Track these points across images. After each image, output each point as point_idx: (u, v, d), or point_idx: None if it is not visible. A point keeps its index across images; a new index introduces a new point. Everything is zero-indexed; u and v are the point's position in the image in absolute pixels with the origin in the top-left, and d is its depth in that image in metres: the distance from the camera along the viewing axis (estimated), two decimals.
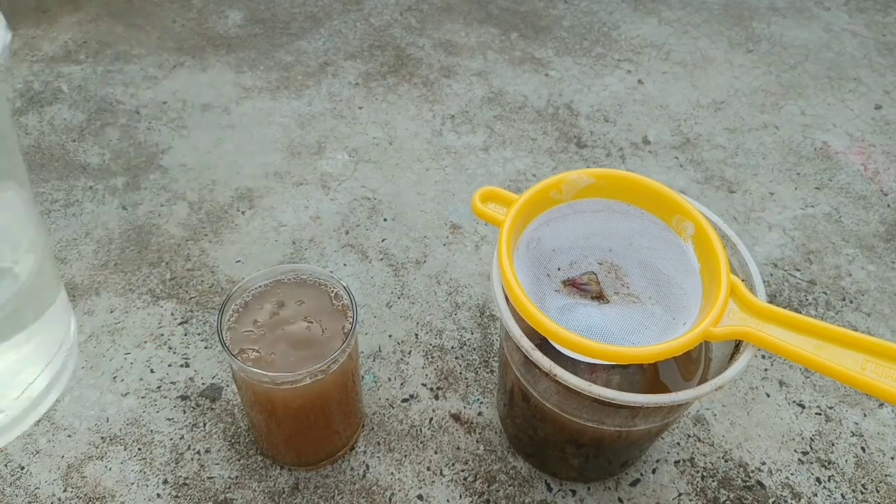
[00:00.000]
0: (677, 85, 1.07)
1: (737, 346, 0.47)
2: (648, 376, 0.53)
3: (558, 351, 0.48)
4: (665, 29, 1.18)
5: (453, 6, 1.20)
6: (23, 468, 0.59)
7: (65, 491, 0.58)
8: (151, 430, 0.63)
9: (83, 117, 0.93)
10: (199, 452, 0.61)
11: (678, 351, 0.43)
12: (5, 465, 0.59)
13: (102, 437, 0.62)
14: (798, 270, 0.80)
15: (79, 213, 0.81)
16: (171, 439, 0.62)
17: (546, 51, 1.11)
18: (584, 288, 0.53)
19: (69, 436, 0.62)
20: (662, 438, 0.63)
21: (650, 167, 0.92)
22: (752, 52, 1.14)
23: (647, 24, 1.19)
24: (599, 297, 0.53)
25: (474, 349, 0.70)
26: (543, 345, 0.46)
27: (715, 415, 0.66)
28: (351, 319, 0.50)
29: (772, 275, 0.79)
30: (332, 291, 0.53)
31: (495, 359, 0.70)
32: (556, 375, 0.43)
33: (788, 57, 1.13)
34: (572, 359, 0.49)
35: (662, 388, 0.54)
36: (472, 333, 0.72)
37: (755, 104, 1.04)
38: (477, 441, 0.63)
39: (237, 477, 0.60)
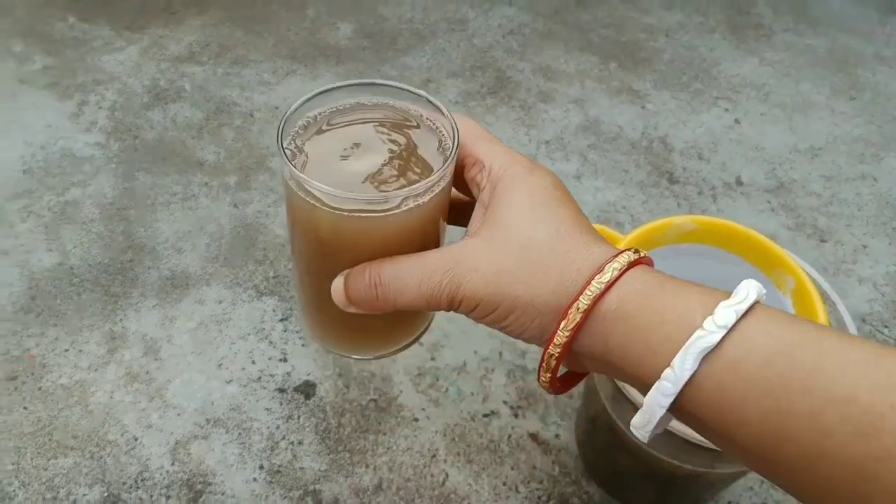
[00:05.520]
0: (775, 127, 1.06)
1: None
2: None
3: None
4: (766, 70, 1.18)
5: (555, 32, 1.23)
6: (136, 439, 0.65)
7: (172, 464, 0.63)
8: (251, 418, 0.67)
9: (202, 116, 0.99)
10: (292, 443, 0.66)
11: None
12: (121, 435, 0.65)
13: (207, 419, 0.67)
14: (886, 327, 0.79)
15: (195, 206, 0.87)
16: (267, 428, 0.67)
17: (644, 83, 1.13)
18: None
19: (178, 414, 0.67)
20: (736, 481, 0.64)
21: (741, 209, 0.92)
22: (855, 100, 1.12)
23: (748, 63, 1.19)
24: None
25: None
26: None
27: None
28: (452, 138, 0.35)
29: (859, 329, 0.78)
30: (421, 115, 0.38)
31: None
32: None
33: (892, 108, 1.11)
34: None
35: None
36: None
37: (854, 153, 1.03)
38: (553, 462, 0.66)
39: (326, 470, 0.64)
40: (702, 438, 0.45)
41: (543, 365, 0.30)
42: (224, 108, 1.01)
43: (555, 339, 0.29)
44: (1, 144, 0.91)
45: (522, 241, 0.30)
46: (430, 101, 0.36)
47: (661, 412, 0.26)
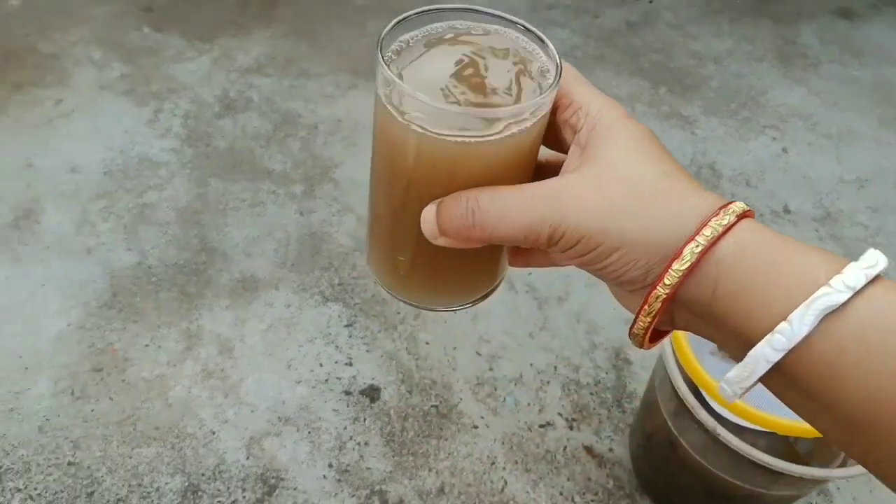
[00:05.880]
0: (822, 157, 1.09)
1: None
2: (785, 445, 0.57)
3: (709, 406, 0.53)
4: (813, 99, 1.20)
5: (606, 56, 1.26)
6: (213, 433, 0.69)
7: (247, 459, 0.67)
8: (319, 418, 0.71)
9: (270, 126, 1.04)
10: (359, 444, 0.69)
11: None
12: (199, 428, 0.69)
13: (279, 417, 0.71)
14: None
15: (263, 213, 0.91)
16: (335, 428, 0.70)
17: (693, 108, 1.16)
18: None
19: (252, 411, 0.71)
20: None
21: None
22: None
23: (796, 92, 1.21)
24: None
25: (608, 388, 0.76)
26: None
27: (838, 488, 0.68)
28: (556, 66, 0.34)
29: None
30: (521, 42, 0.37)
31: (627, 400, 0.75)
32: (719, 435, 0.48)
33: None
34: (719, 415, 0.54)
35: (796, 456, 0.58)
36: (607, 373, 0.77)
37: None
38: (607, 475, 0.69)
39: (391, 472, 0.67)
40: (766, 459, 0.48)
41: (645, 308, 0.28)
42: (290, 120, 1.05)
43: (665, 279, 0.27)
44: (84, 148, 0.96)
45: (630, 177, 0.29)
46: (528, 29, 0.35)
47: (765, 368, 0.26)
